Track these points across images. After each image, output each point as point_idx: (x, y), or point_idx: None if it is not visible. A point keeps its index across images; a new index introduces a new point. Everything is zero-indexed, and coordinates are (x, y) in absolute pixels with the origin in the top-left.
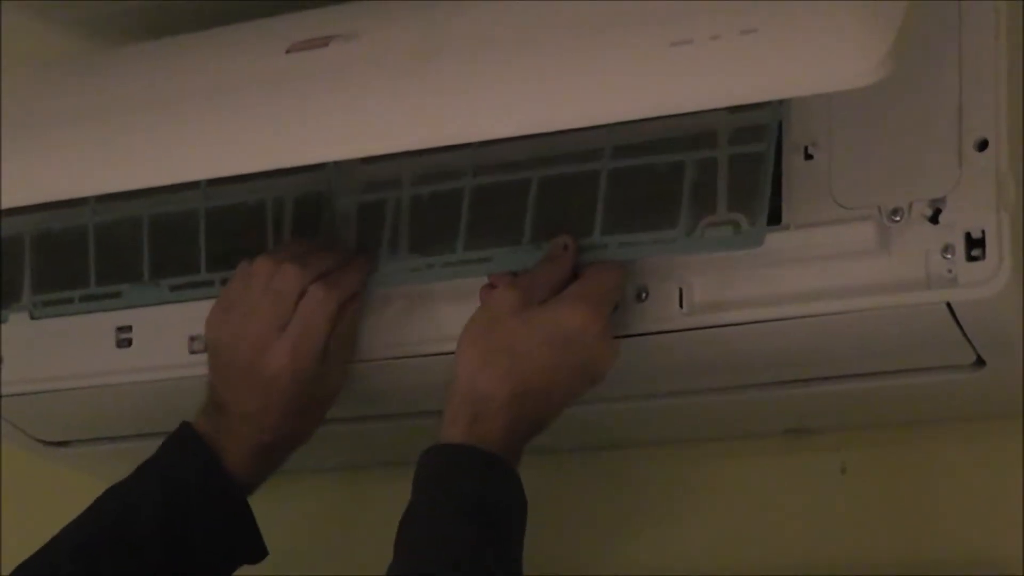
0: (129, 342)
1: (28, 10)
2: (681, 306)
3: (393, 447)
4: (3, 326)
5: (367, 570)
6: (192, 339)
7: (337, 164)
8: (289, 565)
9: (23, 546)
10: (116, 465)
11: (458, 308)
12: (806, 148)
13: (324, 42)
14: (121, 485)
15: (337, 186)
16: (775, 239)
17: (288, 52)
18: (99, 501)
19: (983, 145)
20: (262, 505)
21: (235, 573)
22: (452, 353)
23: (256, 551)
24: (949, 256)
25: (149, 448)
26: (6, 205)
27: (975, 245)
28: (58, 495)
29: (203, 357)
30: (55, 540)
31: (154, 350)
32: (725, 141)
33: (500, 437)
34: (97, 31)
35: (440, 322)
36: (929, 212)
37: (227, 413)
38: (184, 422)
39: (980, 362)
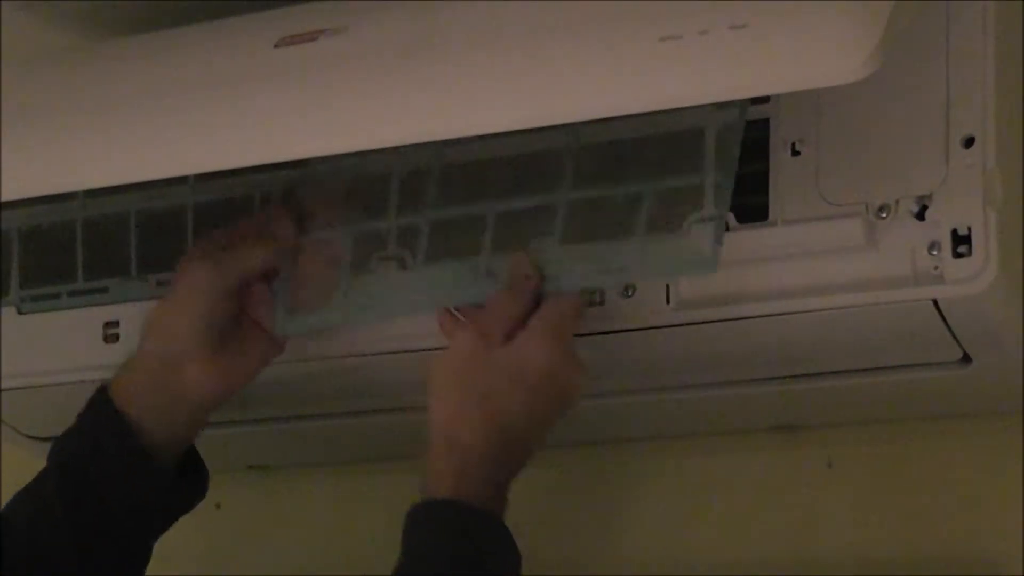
0: (116, 337)
1: (20, 6)
2: (668, 302)
3: (386, 442)
4: None
5: (358, 564)
6: None
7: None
8: (282, 559)
9: None
10: None
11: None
12: (793, 144)
13: (313, 37)
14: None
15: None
16: (762, 235)
17: (277, 46)
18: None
19: (970, 142)
20: (256, 501)
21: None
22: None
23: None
24: (936, 253)
25: None
26: None
27: (961, 242)
28: None
29: None
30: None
31: None
32: (712, 137)
33: (486, 486)
34: (87, 26)
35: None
36: (916, 209)
37: None
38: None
39: (967, 359)
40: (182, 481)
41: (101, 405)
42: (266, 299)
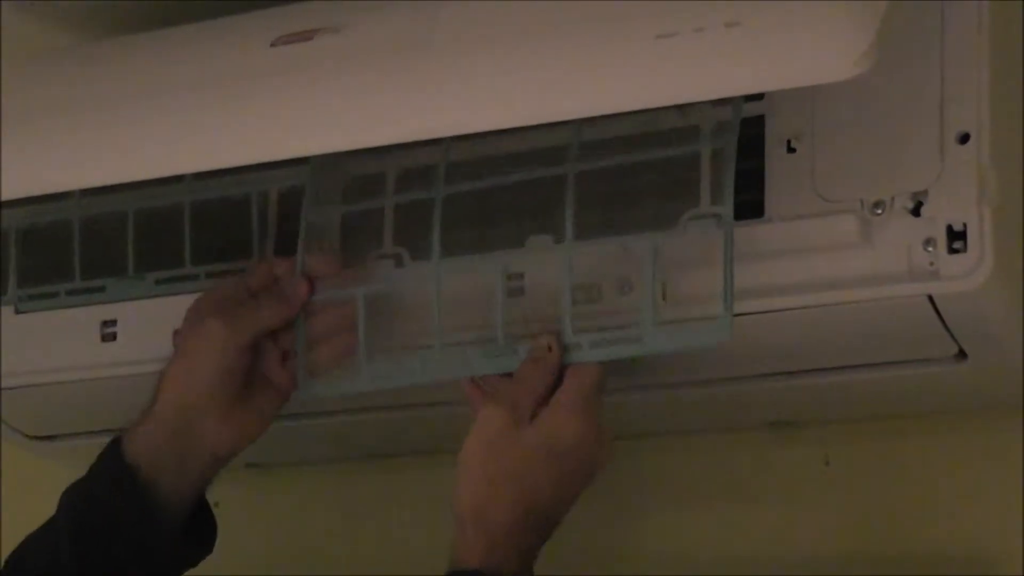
0: (114, 336)
1: (18, 6)
2: (664, 299)
3: (385, 440)
4: None
5: (357, 562)
6: (176, 333)
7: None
8: (280, 557)
9: (7, 541)
10: None
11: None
12: (789, 141)
13: (308, 36)
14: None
15: (315, 186)
16: (758, 232)
17: (273, 45)
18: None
19: (965, 138)
20: (254, 499)
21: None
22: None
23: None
24: (931, 249)
25: None
26: None
27: (956, 238)
28: (44, 490)
29: None
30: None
31: (139, 344)
32: (708, 135)
33: (514, 558)
34: (83, 26)
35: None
36: (911, 205)
37: None
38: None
39: (962, 355)
40: (189, 538)
41: (113, 459)
42: (275, 353)
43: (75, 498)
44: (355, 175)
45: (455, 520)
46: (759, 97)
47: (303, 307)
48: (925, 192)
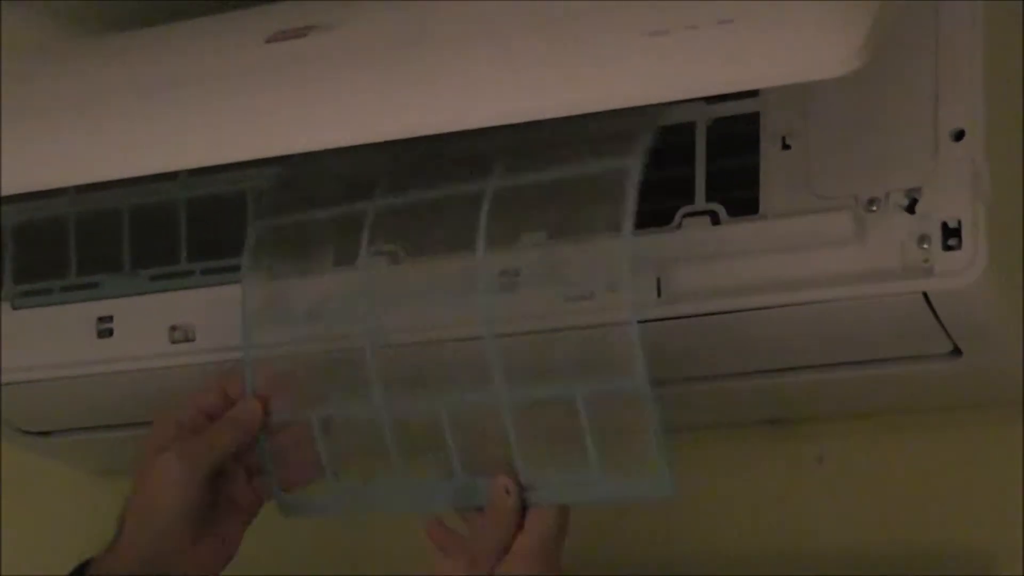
0: (110, 332)
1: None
2: (659, 295)
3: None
4: None
5: (354, 562)
6: (173, 329)
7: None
8: (277, 556)
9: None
10: (97, 455)
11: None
12: (783, 138)
13: (303, 32)
14: None
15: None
16: (752, 228)
17: (268, 42)
18: None
19: (959, 135)
20: None
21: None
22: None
23: None
24: (925, 246)
25: (130, 438)
26: None
27: (951, 235)
28: (39, 486)
29: (183, 347)
30: None
31: (135, 340)
32: (703, 131)
33: None
34: (76, 22)
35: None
36: (905, 202)
37: None
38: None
39: (957, 351)
40: None
41: None
42: (240, 474)
43: None
44: (340, 174)
45: None
46: (754, 94)
47: (263, 427)
48: (919, 189)
